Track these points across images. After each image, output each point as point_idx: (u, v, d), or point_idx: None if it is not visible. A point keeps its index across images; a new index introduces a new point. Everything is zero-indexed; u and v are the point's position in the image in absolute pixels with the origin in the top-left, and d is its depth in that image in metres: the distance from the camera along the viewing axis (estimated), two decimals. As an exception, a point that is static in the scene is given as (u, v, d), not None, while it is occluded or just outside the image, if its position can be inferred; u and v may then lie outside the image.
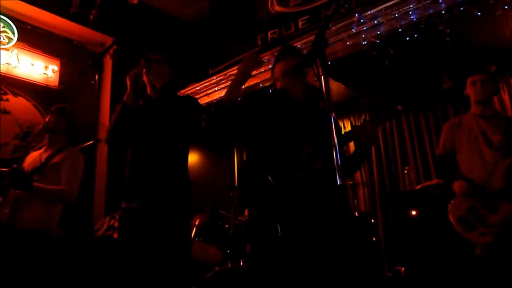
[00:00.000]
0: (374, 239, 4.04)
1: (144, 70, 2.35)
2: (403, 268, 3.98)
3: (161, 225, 2.15)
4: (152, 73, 2.36)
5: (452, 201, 2.80)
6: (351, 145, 3.07)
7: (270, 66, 4.74)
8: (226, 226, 3.91)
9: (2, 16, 4.70)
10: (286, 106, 2.11)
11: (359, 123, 5.77)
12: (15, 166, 2.72)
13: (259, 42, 5.07)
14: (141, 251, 2.12)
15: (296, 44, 4.51)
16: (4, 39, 4.74)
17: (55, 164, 2.82)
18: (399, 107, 2.18)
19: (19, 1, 4.71)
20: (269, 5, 5.12)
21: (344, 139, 2.23)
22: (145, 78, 2.40)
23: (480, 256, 2.56)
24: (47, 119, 3.08)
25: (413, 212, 4.09)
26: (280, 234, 1.78)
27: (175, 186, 2.25)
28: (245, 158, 1.85)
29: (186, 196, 2.29)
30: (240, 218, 3.96)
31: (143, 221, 2.16)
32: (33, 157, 3.01)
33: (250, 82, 4.96)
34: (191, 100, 2.57)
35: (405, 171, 5.07)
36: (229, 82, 5.16)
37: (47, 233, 2.74)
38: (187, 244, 2.31)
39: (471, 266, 2.63)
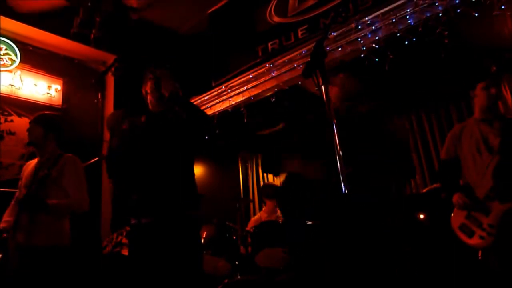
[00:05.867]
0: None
1: (148, 86, 2.37)
2: (413, 272, 3.93)
3: (172, 239, 2.14)
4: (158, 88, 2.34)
5: (453, 211, 2.81)
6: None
7: (270, 75, 4.78)
8: (234, 237, 3.90)
9: (4, 39, 4.76)
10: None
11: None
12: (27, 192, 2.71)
13: (260, 53, 5.10)
14: (152, 266, 2.12)
15: (296, 53, 4.55)
16: (7, 61, 4.80)
17: (54, 178, 2.77)
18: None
19: (21, 23, 4.78)
20: (268, 16, 5.16)
21: None
22: (149, 96, 2.42)
23: (487, 261, 2.53)
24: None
25: (421, 216, 4.05)
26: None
27: (184, 198, 2.24)
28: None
29: (196, 208, 2.27)
30: (247, 229, 3.95)
31: (154, 236, 2.16)
32: (28, 171, 2.97)
33: (252, 92, 5.00)
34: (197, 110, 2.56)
35: (411, 175, 5.04)
36: (230, 94, 5.22)
37: (62, 246, 2.79)
38: (199, 257, 2.29)
39: (480, 271, 2.59)
